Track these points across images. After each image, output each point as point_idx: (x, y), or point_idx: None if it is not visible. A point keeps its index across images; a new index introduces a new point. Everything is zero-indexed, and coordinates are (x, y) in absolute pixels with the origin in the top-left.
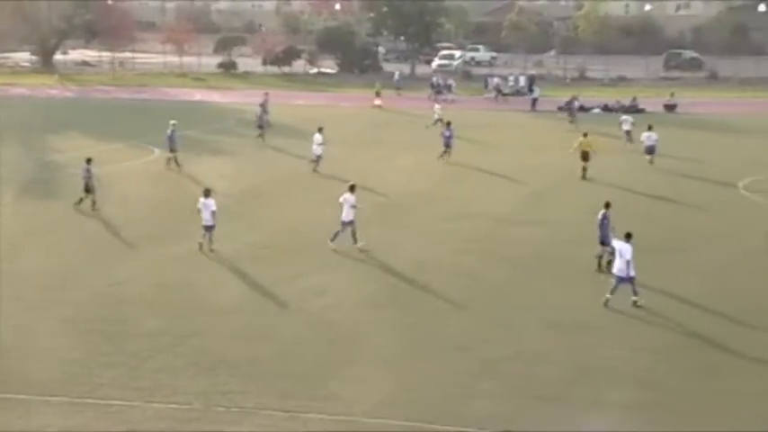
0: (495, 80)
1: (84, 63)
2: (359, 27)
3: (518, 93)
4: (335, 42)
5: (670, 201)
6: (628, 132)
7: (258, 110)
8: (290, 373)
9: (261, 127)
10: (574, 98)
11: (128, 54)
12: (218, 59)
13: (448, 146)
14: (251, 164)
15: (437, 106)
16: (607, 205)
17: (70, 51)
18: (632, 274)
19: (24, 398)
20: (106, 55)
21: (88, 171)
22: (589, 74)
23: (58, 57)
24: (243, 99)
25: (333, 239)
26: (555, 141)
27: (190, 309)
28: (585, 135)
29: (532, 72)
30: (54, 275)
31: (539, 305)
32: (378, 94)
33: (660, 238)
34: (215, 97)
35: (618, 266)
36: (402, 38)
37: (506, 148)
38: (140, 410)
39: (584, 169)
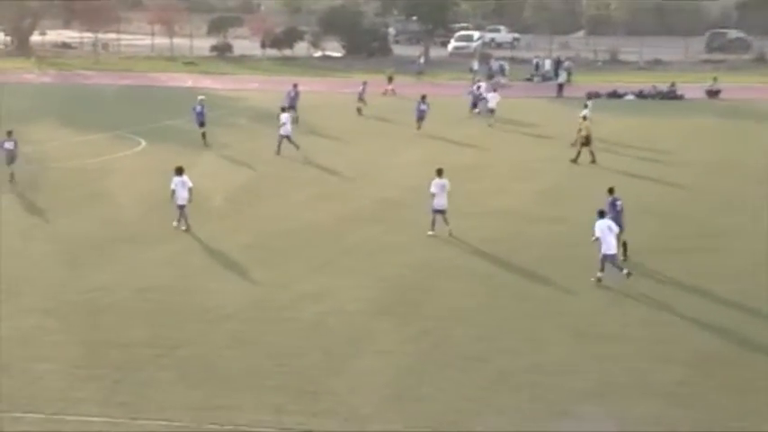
0: (499, 64)
1: (64, 45)
2: (366, 7)
3: (543, 78)
4: (341, 23)
5: (698, 198)
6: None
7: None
8: (287, 386)
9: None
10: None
11: (112, 35)
12: (211, 42)
13: (421, 119)
14: (243, 157)
15: (491, 94)
16: (611, 190)
17: (48, 32)
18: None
19: None
20: (88, 36)
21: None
22: (622, 57)
23: (34, 38)
24: (239, 85)
25: (432, 228)
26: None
27: (177, 316)
28: (585, 118)
29: (559, 55)
30: (25, 281)
31: (560, 312)
32: (390, 80)
33: (687, 238)
34: (207, 83)
35: (610, 243)
36: (414, 18)
37: (523, 139)
38: (124, 428)
39: (591, 153)
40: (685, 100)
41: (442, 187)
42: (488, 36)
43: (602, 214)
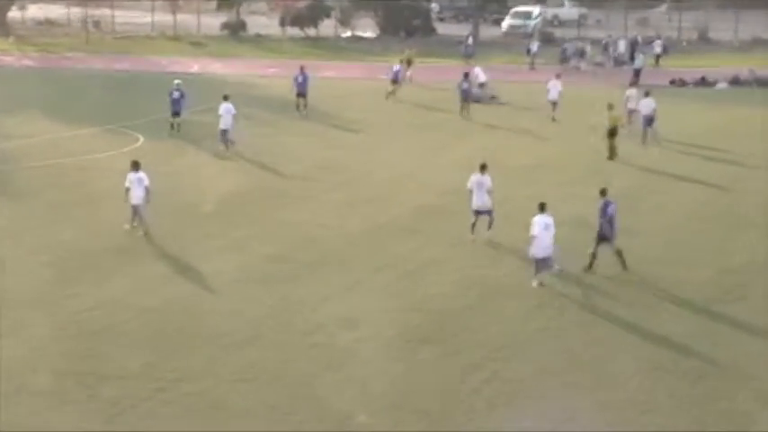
0: (579, 45)
1: (49, 22)
2: None
3: (616, 62)
4: None
5: None
6: (632, 112)
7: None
8: (312, 425)
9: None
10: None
11: (105, 11)
12: (222, 19)
13: (466, 100)
14: (263, 154)
15: (551, 83)
16: (603, 192)
17: (29, 6)
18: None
19: None
20: (76, 12)
21: None
22: (713, 35)
23: (12, 14)
24: (254, 70)
25: (472, 231)
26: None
27: (183, 342)
28: (611, 107)
29: (636, 34)
30: (10, 300)
31: (636, 342)
32: (408, 63)
33: None
34: (217, 67)
35: (547, 244)
36: None
37: (591, 136)
38: None
39: (613, 148)
40: None
41: (480, 185)
42: (550, 12)
43: (542, 208)
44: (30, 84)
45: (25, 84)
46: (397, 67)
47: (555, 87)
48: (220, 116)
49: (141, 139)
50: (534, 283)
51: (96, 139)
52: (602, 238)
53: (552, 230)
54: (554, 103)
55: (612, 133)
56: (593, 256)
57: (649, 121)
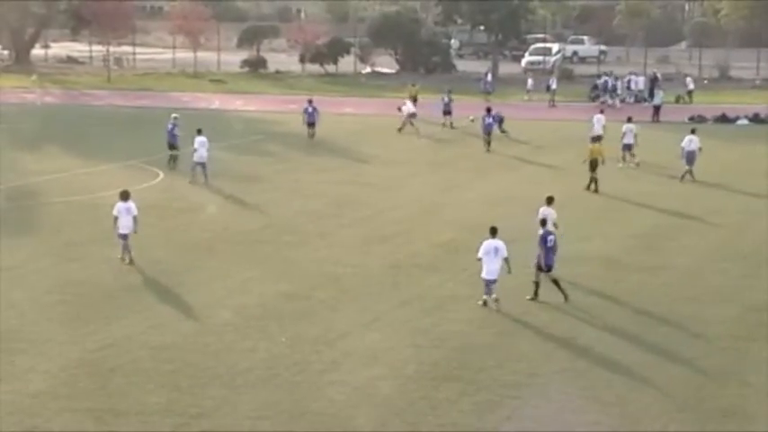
0: (610, 80)
1: (70, 60)
2: (425, 14)
3: (636, 98)
4: (395, 34)
5: None
6: (629, 146)
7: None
8: None
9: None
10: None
11: (126, 48)
12: (242, 56)
13: (489, 134)
14: (281, 190)
15: (597, 116)
16: (543, 222)
17: (52, 44)
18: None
19: None
20: (98, 49)
21: None
22: (733, 73)
23: (36, 51)
24: (274, 106)
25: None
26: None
27: (200, 380)
28: (595, 139)
29: (655, 71)
30: (26, 337)
31: (659, 382)
32: (414, 100)
33: None
34: (238, 104)
35: (493, 268)
36: (481, 28)
37: (612, 172)
38: None
39: (594, 181)
40: None
41: (546, 218)
42: (570, 49)
43: (493, 232)
44: (51, 120)
45: (47, 120)
46: (446, 99)
47: (599, 122)
48: (195, 150)
49: (161, 174)
50: (479, 302)
51: (116, 176)
52: (541, 268)
53: (502, 254)
54: (599, 137)
55: (593, 165)
56: (537, 285)
57: (691, 158)
